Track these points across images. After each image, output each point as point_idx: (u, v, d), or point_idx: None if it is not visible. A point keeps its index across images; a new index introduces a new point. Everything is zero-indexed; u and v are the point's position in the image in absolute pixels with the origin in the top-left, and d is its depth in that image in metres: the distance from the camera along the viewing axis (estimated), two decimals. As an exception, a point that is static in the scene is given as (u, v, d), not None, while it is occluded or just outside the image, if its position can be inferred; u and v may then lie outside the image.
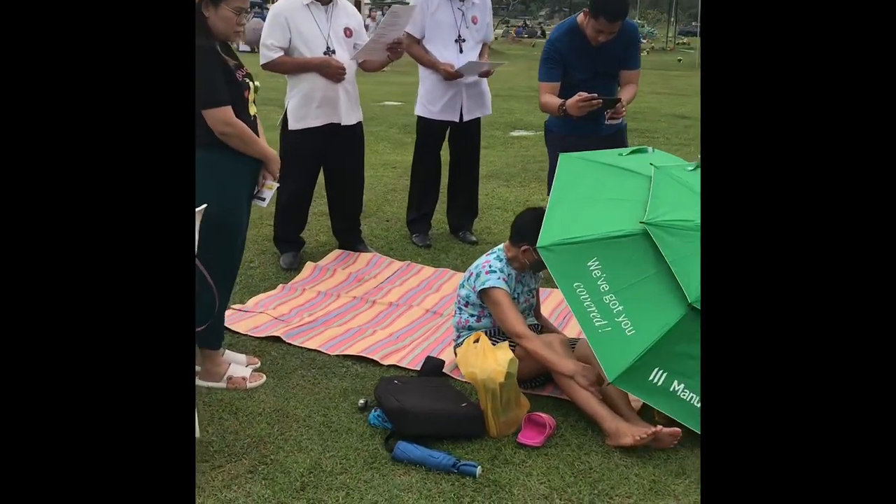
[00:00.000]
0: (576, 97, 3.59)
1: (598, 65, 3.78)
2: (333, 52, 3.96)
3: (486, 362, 2.63)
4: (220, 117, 2.63)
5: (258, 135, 2.81)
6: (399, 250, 4.60)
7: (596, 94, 3.58)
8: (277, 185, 2.88)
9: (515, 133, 9.02)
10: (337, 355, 3.22)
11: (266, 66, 3.96)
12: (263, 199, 2.88)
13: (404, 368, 3.13)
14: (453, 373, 3.09)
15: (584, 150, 3.35)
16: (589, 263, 2.66)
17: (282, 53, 3.91)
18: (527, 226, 2.98)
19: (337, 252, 4.41)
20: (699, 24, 26.59)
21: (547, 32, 42.91)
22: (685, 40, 35.60)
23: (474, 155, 4.76)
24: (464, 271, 4.27)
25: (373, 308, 3.77)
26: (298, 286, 3.97)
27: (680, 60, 23.33)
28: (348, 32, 4.04)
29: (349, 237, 4.45)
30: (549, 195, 3.70)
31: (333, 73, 3.94)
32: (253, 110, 2.80)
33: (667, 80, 16.44)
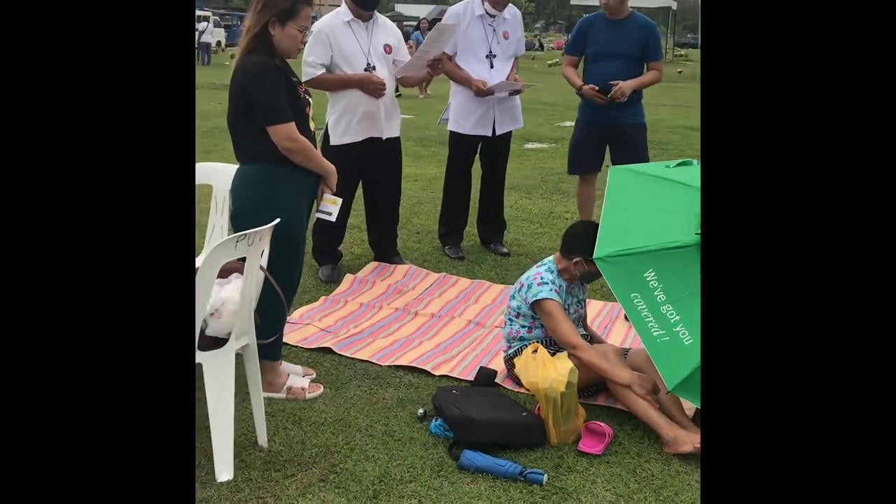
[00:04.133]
0: (588, 88, 4.45)
1: (610, 46, 4.45)
2: (374, 68, 4.04)
3: (547, 372, 2.69)
4: (285, 133, 2.69)
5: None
6: (433, 262, 4.66)
7: (598, 88, 4.40)
8: (341, 199, 2.94)
9: (530, 145, 9.11)
10: (388, 366, 3.27)
11: (308, 84, 4.03)
12: (330, 214, 2.94)
13: (456, 378, 3.19)
14: (505, 382, 3.15)
15: (599, 133, 4.56)
16: (645, 274, 2.72)
17: (323, 70, 3.98)
18: (578, 238, 3.05)
19: (374, 264, 4.47)
20: (699, 35, 26.82)
21: (545, 45, 43.17)
22: (682, 52, 35.85)
23: (504, 168, 4.84)
24: (498, 282, 4.37)
25: (416, 319, 3.83)
26: (341, 298, 4.02)
27: (681, 72, 23.51)
28: (388, 49, 4.11)
29: (385, 249, 4.51)
30: (568, 167, 4.86)
31: (374, 88, 4.01)
32: (312, 126, 2.87)
33: (670, 92, 16.55)
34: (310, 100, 2.87)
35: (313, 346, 3.41)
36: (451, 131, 4.68)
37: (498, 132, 4.61)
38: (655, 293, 2.69)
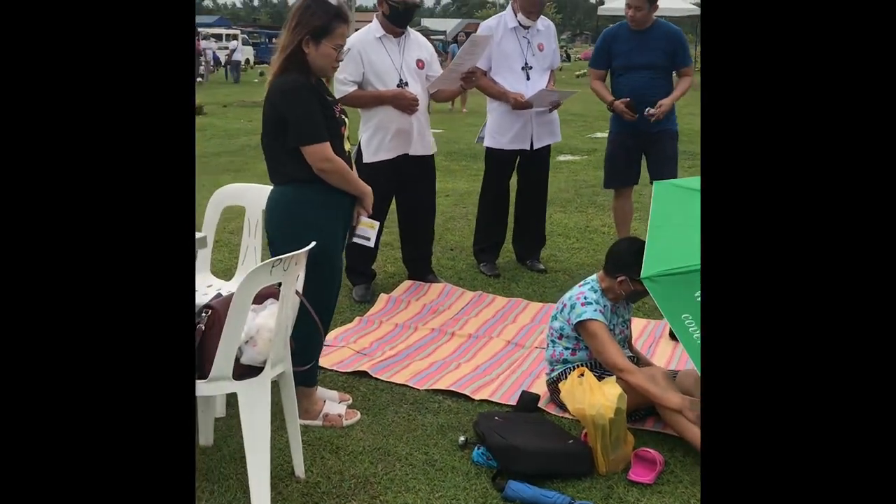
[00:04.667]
0: (619, 102, 4.40)
1: (637, 57, 4.38)
2: (406, 84, 3.96)
3: (595, 398, 2.58)
4: (321, 154, 2.62)
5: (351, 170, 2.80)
6: (468, 280, 4.56)
7: (628, 104, 4.36)
8: (378, 223, 2.86)
9: (562, 158, 8.98)
10: (426, 390, 3.17)
11: (340, 101, 3.96)
12: (368, 239, 2.85)
13: (497, 403, 3.08)
14: (548, 407, 3.04)
15: (632, 144, 4.52)
16: (696, 294, 2.59)
17: (356, 87, 3.92)
18: (623, 256, 2.94)
19: (408, 283, 4.38)
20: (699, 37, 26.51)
21: (572, 56, 43.00)
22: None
23: (543, 182, 4.73)
24: (536, 300, 4.26)
25: (452, 340, 3.73)
26: (375, 318, 3.94)
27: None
28: (420, 64, 4.04)
29: (420, 267, 4.42)
30: (604, 181, 4.83)
31: (407, 105, 3.94)
32: (347, 146, 2.80)
33: (698, 100, 16.31)
34: (346, 119, 2.79)
35: (349, 370, 3.32)
36: (487, 148, 4.59)
37: (536, 146, 4.51)
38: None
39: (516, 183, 4.74)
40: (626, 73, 4.45)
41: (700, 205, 2.94)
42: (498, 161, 4.58)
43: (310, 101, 2.61)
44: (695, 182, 3.13)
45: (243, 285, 2.16)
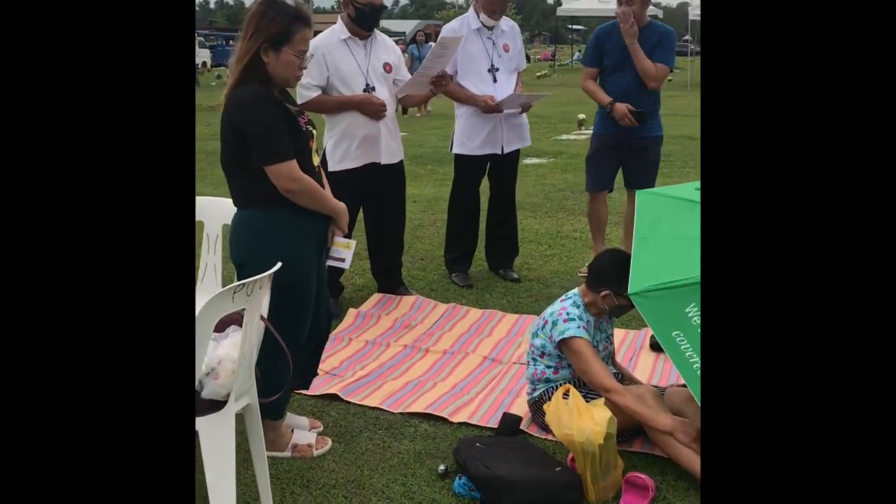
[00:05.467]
0: (622, 106, 4.22)
1: (629, 57, 4.22)
2: (373, 88, 3.78)
3: (583, 422, 2.42)
4: (286, 173, 2.39)
5: (323, 186, 2.59)
6: (440, 291, 4.40)
7: (634, 111, 4.22)
8: (355, 242, 2.67)
9: (528, 161, 8.86)
10: (401, 413, 3.00)
11: (303, 107, 3.77)
12: (343, 260, 2.65)
13: (476, 426, 2.91)
14: (530, 428, 2.88)
15: (617, 147, 4.37)
16: (687, 310, 2.46)
17: (319, 92, 3.73)
18: (606, 269, 2.80)
19: (378, 296, 4.20)
20: (688, 42, 26.78)
21: (531, 57, 43.15)
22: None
23: (513, 187, 4.59)
24: (511, 311, 4.11)
25: (427, 357, 3.56)
26: (344, 336, 3.75)
27: (670, 80, 23.37)
28: (388, 68, 3.86)
29: (390, 279, 4.24)
30: (587, 184, 4.64)
31: (375, 110, 3.76)
32: (316, 160, 2.60)
33: (664, 101, 16.40)
34: (314, 131, 2.58)
35: (318, 393, 3.13)
36: (456, 154, 4.43)
37: (506, 150, 4.36)
38: (700, 330, 2.43)
39: (488, 189, 4.59)
40: (616, 72, 4.31)
41: (686, 214, 2.84)
42: (468, 167, 4.43)
43: (272, 114, 2.39)
44: (677, 190, 3.01)
45: (203, 313, 1.96)
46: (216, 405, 2.12)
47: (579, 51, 40.95)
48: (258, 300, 2.11)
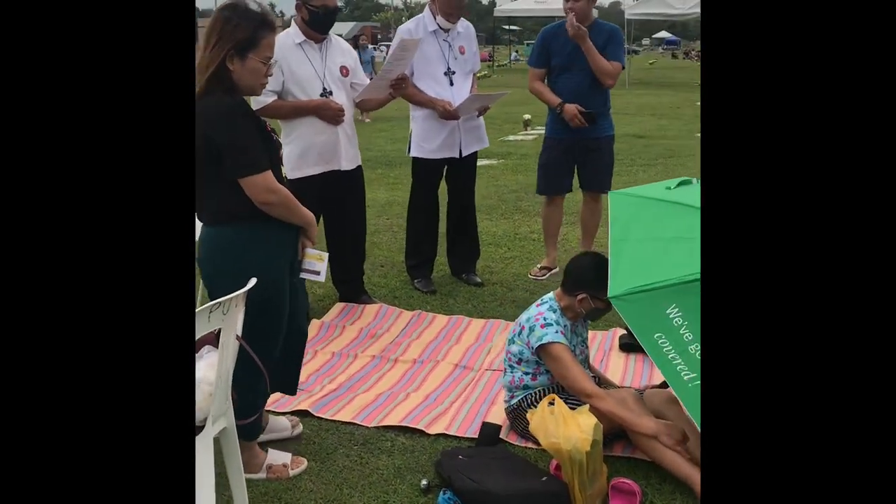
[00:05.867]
0: (572, 107, 4.22)
1: (576, 57, 4.21)
2: (330, 93, 3.69)
3: (569, 430, 2.38)
4: (262, 184, 2.28)
5: None
6: (404, 298, 4.32)
7: (583, 112, 4.21)
8: (327, 254, 2.57)
9: (479, 162, 8.83)
10: (376, 427, 2.91)
11: (259, 113, 3.65)
12: (318, 273, 2.55)
13: (455, 436, 2.85)
14: (509, 437, 2.83)
15: (570, 150, 4.38)
16: (668, 311, 2.44)
17: (275, 98, 3.61)
18: (583, 272, 2.77)
19: (340, 305, 4.10)
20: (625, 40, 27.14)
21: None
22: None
23: (472, 190, 4.54)
24: (477, 316, 4.05)
25: (396, 367, 3.47)
26: (309, 348, 3.62)
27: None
28: (344, 71, 3.77)
29: (352, 288, 4.15)
30: (538, 187, 4.68)
31: (332, 115, 3.66)
32: (284, 170, 2.49)
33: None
34: (280, 141, 2.47)
35: (287, 410, 3.02)
36: (413, 158, 4.35)
37: (465, 153, 4.31)
38: (682, 332, 2.41)
39: (446, 193, 4.53)
40: (563, 73, 4.30)
41: (660, 215, 2.83)
42: (426, 171, 4.36)
43: (243, 124, 2.28)
44: (649, 190, 3.00)
45: (177, 336, 1.85)
46: (192, 431, 2.00)
47: (516, 51, 41.23)
48: (234, 318, 2.01)
